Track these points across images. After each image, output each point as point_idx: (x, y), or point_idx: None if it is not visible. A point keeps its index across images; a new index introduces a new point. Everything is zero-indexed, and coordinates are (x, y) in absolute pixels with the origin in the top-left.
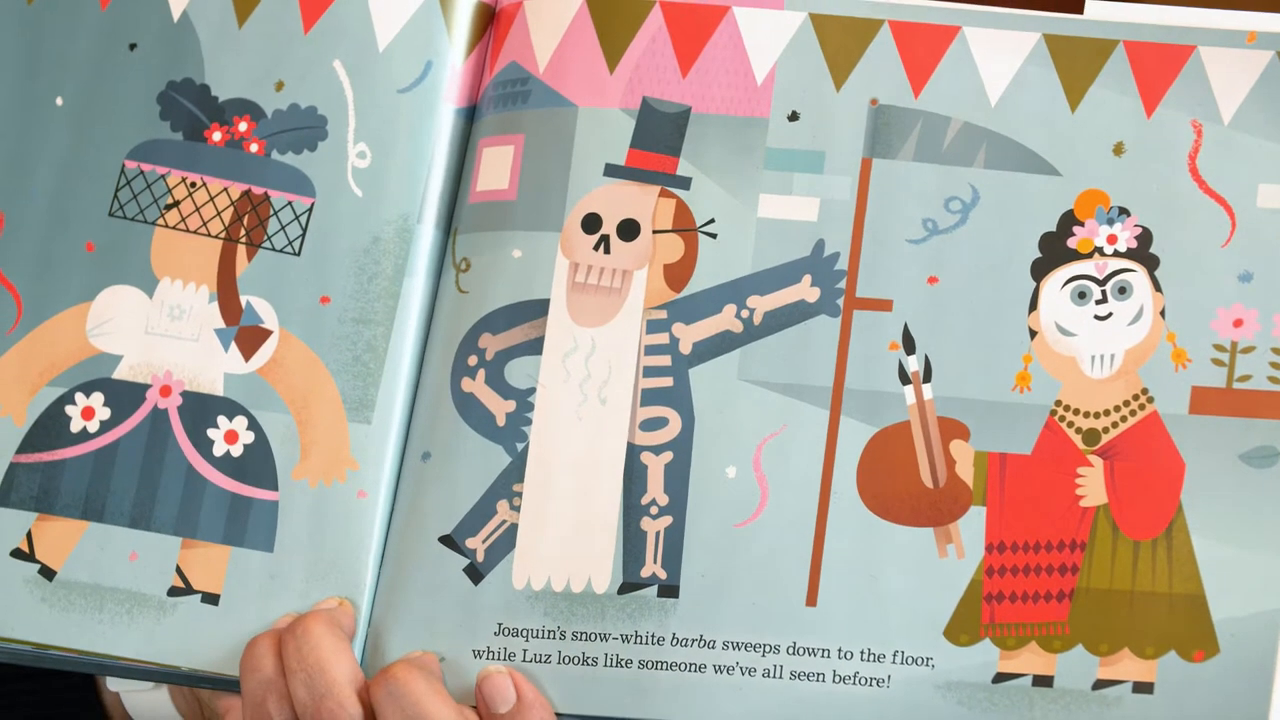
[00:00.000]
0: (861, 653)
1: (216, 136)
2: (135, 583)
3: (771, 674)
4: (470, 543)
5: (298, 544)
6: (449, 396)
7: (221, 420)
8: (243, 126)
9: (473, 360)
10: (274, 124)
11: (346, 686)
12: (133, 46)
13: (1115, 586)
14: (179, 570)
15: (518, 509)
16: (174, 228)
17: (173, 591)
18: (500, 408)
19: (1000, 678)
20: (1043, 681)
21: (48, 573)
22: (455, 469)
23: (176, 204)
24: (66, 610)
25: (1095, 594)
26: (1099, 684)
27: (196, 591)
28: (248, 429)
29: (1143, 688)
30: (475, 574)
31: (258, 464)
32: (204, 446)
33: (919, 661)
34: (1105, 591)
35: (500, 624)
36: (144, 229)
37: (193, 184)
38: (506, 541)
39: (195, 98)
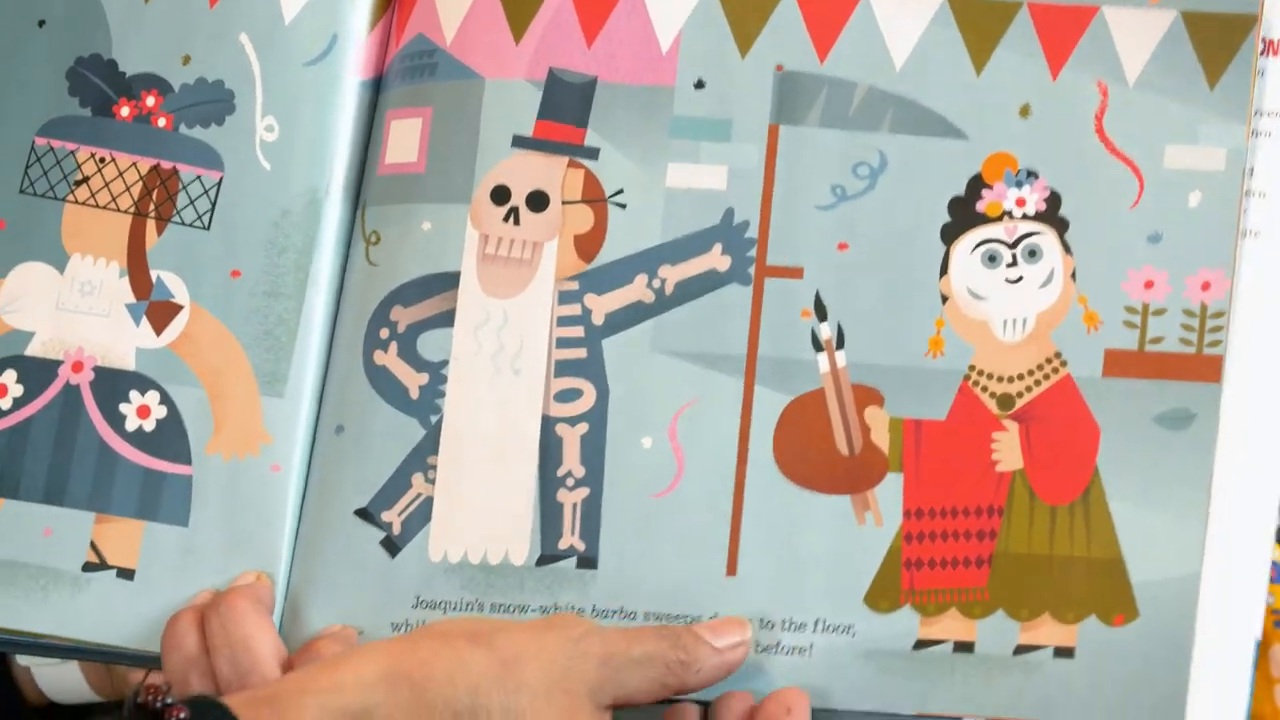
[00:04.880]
0: (783, 622)
1: (125, 112)
2: (49, 559)
3: None
4: (386, 516)
5: (213, 518)
6: (361, 369)
7: (134, 395)
8: (150, 101)
9: (384, 333)
10: (182, 98)
11: (271, 661)
12: (41, 23)
13: (1034, 551)
14: (93, 545)
15: (433, 482)
16: (84, 204)
17: (87, 567)
18: (413, 380)
19: (921, 644)
20: (964, 648)
21: None
22: (369, 442)
23: (86, 180)
24: None
25: (1014, 559)
26: (1020, 649)
27: (111, 567)
28: (160, 403)
29: (1063, 652)
30: (392, 547)
31: (171, 438)
32: (116, 422)
33: (840, 629)
34: (1024, 556)
35: (419, 596)
36: (54, 205)
37: (101, 159)
38: (422, 514)
39: (103, 73)
